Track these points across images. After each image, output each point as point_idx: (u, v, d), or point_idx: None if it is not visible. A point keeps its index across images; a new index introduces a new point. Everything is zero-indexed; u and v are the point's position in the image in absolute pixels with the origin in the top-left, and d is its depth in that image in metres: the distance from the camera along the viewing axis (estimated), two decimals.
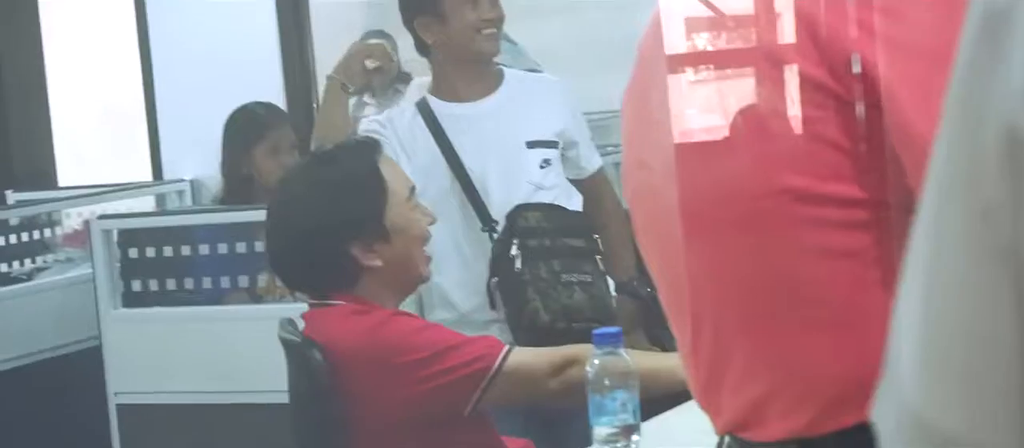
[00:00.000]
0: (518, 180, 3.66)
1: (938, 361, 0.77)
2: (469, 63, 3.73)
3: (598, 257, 3.64)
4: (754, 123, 1.58)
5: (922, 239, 0.79)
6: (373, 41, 3.94)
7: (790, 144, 1.52)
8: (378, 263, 2.90)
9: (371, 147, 3.11)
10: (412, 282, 3.04)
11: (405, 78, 3.93)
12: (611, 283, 3.75)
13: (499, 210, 3.63)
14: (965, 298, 0.75)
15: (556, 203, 3.67)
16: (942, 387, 0.76)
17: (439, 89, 3.77)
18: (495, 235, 3.60)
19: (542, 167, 3.69)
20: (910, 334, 0.78)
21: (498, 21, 3.72)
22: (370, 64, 3.79)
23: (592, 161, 3.85)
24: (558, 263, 3.55)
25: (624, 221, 3.60)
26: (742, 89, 1.63)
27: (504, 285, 3.56)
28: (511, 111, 3.72)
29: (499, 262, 3.57)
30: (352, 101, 3.97)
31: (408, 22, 3.75)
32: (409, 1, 3.76)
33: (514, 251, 3.54)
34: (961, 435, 0.76)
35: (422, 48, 3.77)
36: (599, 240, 3.67)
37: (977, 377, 0.75)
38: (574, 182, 3.83)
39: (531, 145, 3.69)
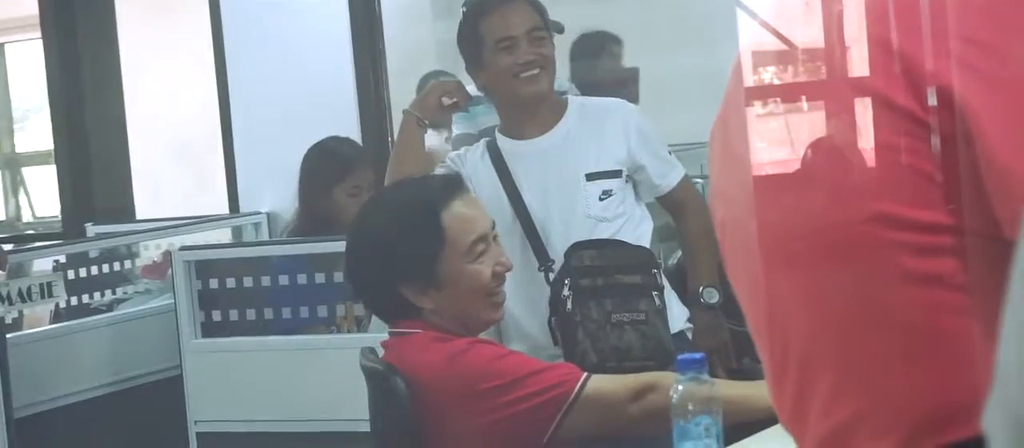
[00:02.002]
0: (577, 215, 3.68)
1: None
2: (520, 104, 3.76)
3: (655, 293, 3.62)
4: (835, 151, 1.61)
5: None
6: (448, 78, 4.00)
7: (881, 171, 1.55)
8: (430, 306, 2.94)
9: (446, 187, 3.08)
10: (475, 325, 3.04)
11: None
12: (677, 315, 3.75)
13: (558, 248, 3.64)
14: None
15: (617, 236, 3.67)
16: None
17: (505, 127, 3.82)
18: (551, 275, 3.63)
19: (602, 198, 3.69)
20: (1016, 342, 0.82)
21: (540, 62, 3.72)
22: (446, 101, 3.84)
23: (668, 177, 3.82)
24: (610, 302, 3.55)
25: (705, 234, 3.63)
26: (822, 120, 1.67)
27: (560, 325, 3.59)
28: (571, 144, 3.74)
29: (555, 302, 3.59)
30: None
31: (466, 69, 3.84)
32: (461, 52, 3.83)
33: (566, 292, 3.57)
34: None
35: (483, 90, 3.84)
36: (658, 274, 3.68)
37: None
38: (658, 200, 3.85)
39: (590, 177, 3.70)
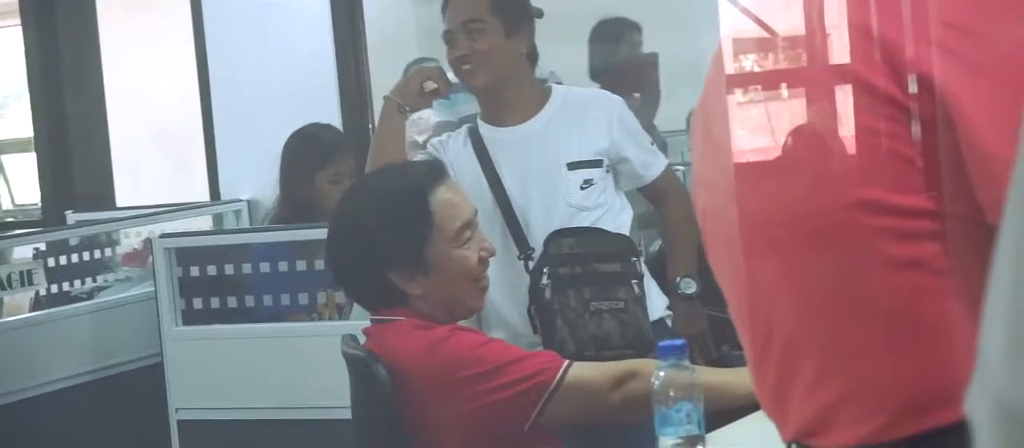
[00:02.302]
0: (557, 203, 3.67)
1: None
2: (502, 90, 3.74)
3: (635, 281, 3.61)
4: (818, 138, 1.62)
5: (1010, 238, 0.84)
6: (431, 64, 3.99)
7: (863, 157, 1.56)
8: (418, 292, 2.93)
9: (430, 172, 3.08)
10: (461, 311, 3.03)
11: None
12: (657, 303, 3.76)
13: (538, 236, 3.63)
14: None
15: (597, 225, 3.66)
16: None
17: (485, 114, 3.81)
18: (531, 263, 3.62)
19: (583, 188, 3.68)
20: (999, 325, 0.83)
21: (471, 57, 3.69)
22: (428, 86, 3.83)
23: (651, 167, 3.82)
24: (589, 291, 3.54)
25: (685, 222, 3.63)
26: (805, 106, 1.68)
27: (539, 313, 3.59)
28: (553, 133, 3.72)
29: (534, 290, 3.59)
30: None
31: None
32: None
33: (544, 280, 3.56)
34: None
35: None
36: (637, 262, 3.67)
37: None
38: (640, 190, 3.85)
39: (572, 166, 3.69)
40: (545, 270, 3.57)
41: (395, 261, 2.93)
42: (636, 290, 3.59)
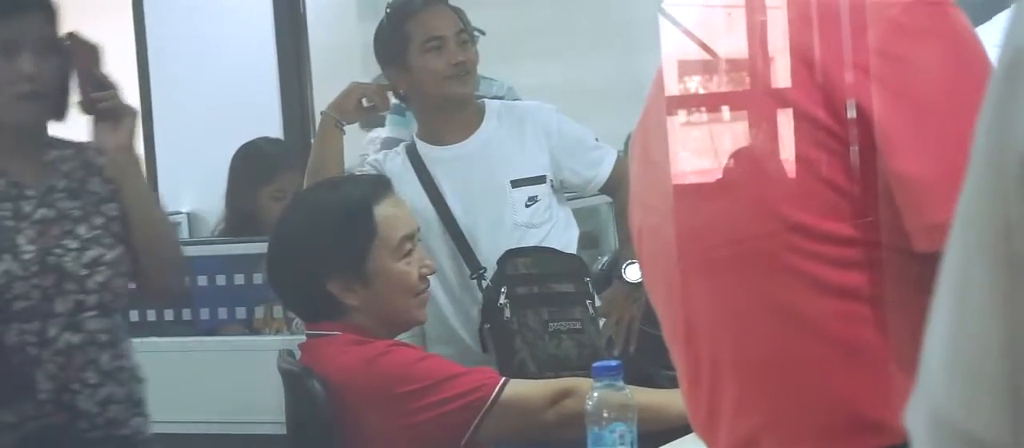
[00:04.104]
0: (504, 222, 3.66)
1: (964, 365, 0.83)
2: (443, 108, 3.72)
3: (588, 301, 3.61)
4: (755, 162, 1.63)
5: (952, 256, 0.85)
6: (369, 81, 3.96)
7: (791, 182, 1.57)
8: (355, 303, 2.93)
9: (375, 186, 3.08)
10: (400, 325, 3.03)
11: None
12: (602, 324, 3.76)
13: (488, 254, 3.62)
14: (989, 307, 0.81)
15: (545, 243, 3.66)
16: (969, 390, 0.82)
17: (424, 132, 3.77)
18: (484, 282, 3.61)
19: (528, 205, 3.67)
20: (940, 342, 0.84)
21: (468, 65, 3.70)
22: (366, 103, 3.81)
23: (600, 167, 3.79)
24: (547, 311, 3.54)
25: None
26: (742, 130, 1.69)
27: (495, 332, 3.57)
28: (492, 151, 3.72)
29: (489, 310, 3.56)
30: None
31: (382, 71, 3.79)
32: (378, 52, 3.78)
33: (503, 300, 3.55)
34: (988, 437, 0.81)
35: (398, 96, 3.80)
36: (589, 283, 3.68)
37: (999, 379, 0.81)
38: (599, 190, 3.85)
39: (515, 184, 3.68)
40: (503, 289, 3.55)
41: (335, 271, 2.92)
42: (590, 310, 3.60)
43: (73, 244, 2.89)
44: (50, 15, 2.95)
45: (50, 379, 2.84)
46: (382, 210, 2.98)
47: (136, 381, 3.06)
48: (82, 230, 2.91)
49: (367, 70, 4.10)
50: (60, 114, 2.96)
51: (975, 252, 0.83)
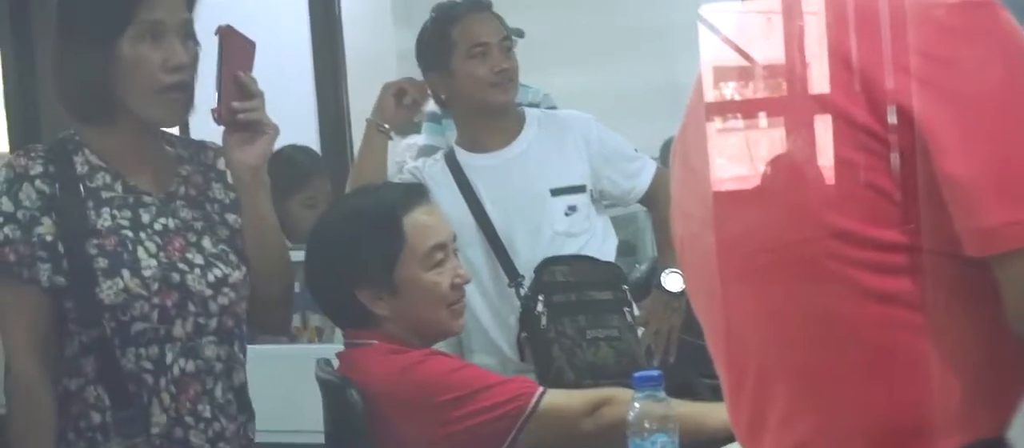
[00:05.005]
0: (542, 231, 3.65)
1: None
2: (484, 115, 3.72)
3: (626, 309, 3.59)
4: (796, 167, 1.61)
5: None
6: (406, 78, 3.92)
7: (840, 188, 1.55)
8: (386, 312, 2.91)
9: (408, 193, 3.05)
10: (433, 335, 3.00)
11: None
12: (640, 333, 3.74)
13: (526, 262, 3.61)
14: None
15: (585, 252, 3.64)
16: None
17: (463, 140, 3.77)
18: (522, 290, 3.60)
19: (568, 214, 3.67)
20: None
21: (511, 73, 3.70)
22: (407, 100, 3.78)
23: (640, 178, 3.80)
24: (584, 318, 3.52)
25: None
26: (782, 135, 1.67)
27: (532, 341, 3.55)
28: (533, 159, 3.71)
29: (527, 318, 3.55)
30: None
31: (424, 76, 3.76)
32: (421, 57, 3.76)
33: (540, 308, 3.53)
34: None
35: (439, 101, 3.79)
36: (627, 290, 3.66)
37: None
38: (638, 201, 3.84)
39: (555, 193, 3.68)
40: (540, 297, 3.54)
41: (363, 280, 2.91)
42: (628, 318, 3.59)
43: (198, 259, 2.59)
44: None
45: (164, 411, 2.55)
46: (412, 218, 2.95)
47: (248, 416, 2.76)
48: (207, 244, 2.62)
49: (402, 76, 4.07)
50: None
51: None
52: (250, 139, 2.61)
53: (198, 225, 2.63)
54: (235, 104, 2.56)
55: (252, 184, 2.64)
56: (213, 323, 2.60)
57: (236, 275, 2.63)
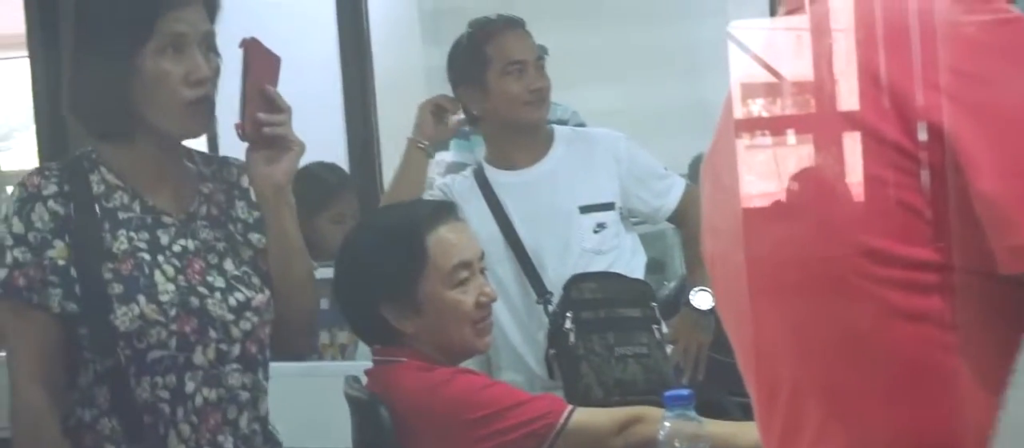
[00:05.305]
0: (571, 248, 3.66)
1: None
2: (515, 132, 3.73)
3: (654, 326, 3.60)
4: (832, 185, 1.61)
5: None
6: (441, 95, 3.92)
7: (870, 206, 1.55)
8: (411, 330, 2.91)
9: (435, 211, 3.06)
10: (458, 353, 2.99)
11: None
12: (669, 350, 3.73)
13: (554, 279, 3.62)
14: None
15: (613, 270, 3.65)
16: None
17: (492, 157, 3.79)
18: (550, 307, 3.60)
19: (597, 231, 3.68)
20: None
21: (545, 91, 3.71)
22: (448, 119, 3.78)
23: (670, 196, 3.80)
24: (613, 335, 3.52)
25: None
26: (815, 153, 1.66)
27: (560, 358, 3.56)
28: (562, 176, 3.72)
29: (555, 334, 3.56)
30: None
31: (454, 92, 3.77)
32: (453, 72, 3.77)
33: (568, 325, 3.54)
34: None
35: (470, 117, 3.79)
36: (656, 308, 3.65)
37: None
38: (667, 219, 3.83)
39: (584, 210, 3.69)
40: (569, 314, 3.54)
41: (387, 297, 2.91)
42: (657, 336, 3.58)
43: (218, 282, 2.49)
44: (212, 9, 2.52)
45: (182, 442, 2.46)
46: (437, 236, 2.95)
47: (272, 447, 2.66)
48: (229, 266, 2.53)
49: (430, 93, 4.08)
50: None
51: None
52: (275, 156, 2.52)
53: (220, 246, 2.54)
54: (261, 116, 2.47)
55: (276, 202, 2.54)
56: (236, 349, 2.51)
57: (259, 298, 2.54)
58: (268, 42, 2.51)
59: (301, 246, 2.61)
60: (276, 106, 2.50)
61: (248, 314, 2.51)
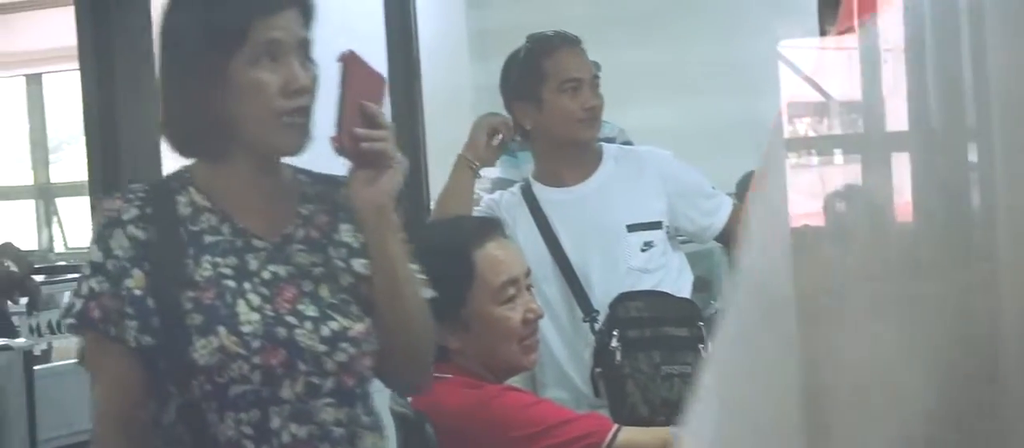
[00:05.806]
0: (618, 266, 3.65)
1: None
2: (566, 149, 3.74)
3: (701, 346, 3.55)
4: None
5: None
6: (495, 115, 3.93)
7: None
8: (457, 346, 2.91)
9: (482, 228, 3.07)
10: (505, 370, 2.99)
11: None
12: None
13: (601, 298, 3.61)
14: None
15: (660, 288, 3.64)
16: None
17: (541, 173, 3.78)
18: (596, 325, 3.59)
19: (644, 250, 3.66)
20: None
21: (598, 110, 3.72)
22: (496, 140, 3.79)
23: (717, 216, 3.78)
24: (659, 354, 3.51)
25: None
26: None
27: (606, 376, 3.54)
28: (610, 194, 3.71)
29: (601, 353, 3.54)
30: None
31: (507, 106, 3.78)
32: (508, 86, 3.77)
33: (614, 344, 3.52)
34: None
35: (522, 132, 3.79)
36: (703, 327, 3.64)
37: None
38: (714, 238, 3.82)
39: (631, 228, 3.67)
40: (614, 333, 3.53)
41: (434, 314, 2.91)
42: (703, 355, 3.57)
43: (310, 311, 2.29)
44: (308, 14, 2.33)
45: None
46: (484, 253, 2.95)
47: None
48: (325, 293, 2.33)
49: (479, 111, 4.09)
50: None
51: None
52: (375, 175, 2.30)
53: (316, 272, 2.34)
54: (358, 131, 2.26)
55: (378, 224, 2.33)
56: (329, 383, 2.29)
57: (358, 328, 2.33)
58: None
59: (409, 273, 2.41)
60: (376, 122, 2.29)
61: (343, 345, 2.31)
